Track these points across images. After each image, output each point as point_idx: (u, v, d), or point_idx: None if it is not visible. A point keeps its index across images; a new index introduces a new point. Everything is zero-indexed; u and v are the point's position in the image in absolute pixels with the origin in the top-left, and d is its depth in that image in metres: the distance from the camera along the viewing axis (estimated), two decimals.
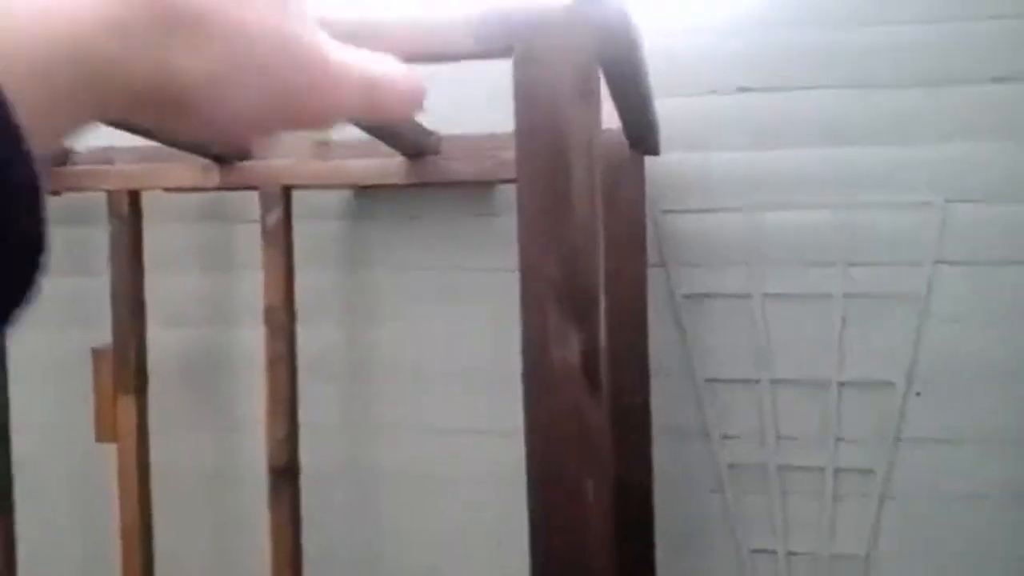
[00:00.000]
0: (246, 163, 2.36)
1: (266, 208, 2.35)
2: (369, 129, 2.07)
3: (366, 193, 2.59)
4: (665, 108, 2.21)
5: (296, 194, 2.43)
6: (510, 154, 2.44)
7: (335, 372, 2.65)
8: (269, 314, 2.41)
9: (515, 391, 1.18)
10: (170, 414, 2.66)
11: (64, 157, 2.42)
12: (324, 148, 2.36)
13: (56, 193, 2.44)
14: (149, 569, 2.55)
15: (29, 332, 2.67)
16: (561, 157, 1.13)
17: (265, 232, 2.36)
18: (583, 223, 1.14)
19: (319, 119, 0.37)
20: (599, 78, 1.20)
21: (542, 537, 1.18)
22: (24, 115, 0.25)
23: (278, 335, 2.41)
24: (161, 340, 2.59)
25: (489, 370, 2.52)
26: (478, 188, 2.53)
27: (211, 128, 0.34)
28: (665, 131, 2.30)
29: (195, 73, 0.31)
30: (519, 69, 1.13)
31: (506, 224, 2.52)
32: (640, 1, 2.35)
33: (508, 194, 2.54)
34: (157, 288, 2.55)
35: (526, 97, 1.13)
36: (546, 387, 1.17)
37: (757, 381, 2.45)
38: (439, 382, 2.59)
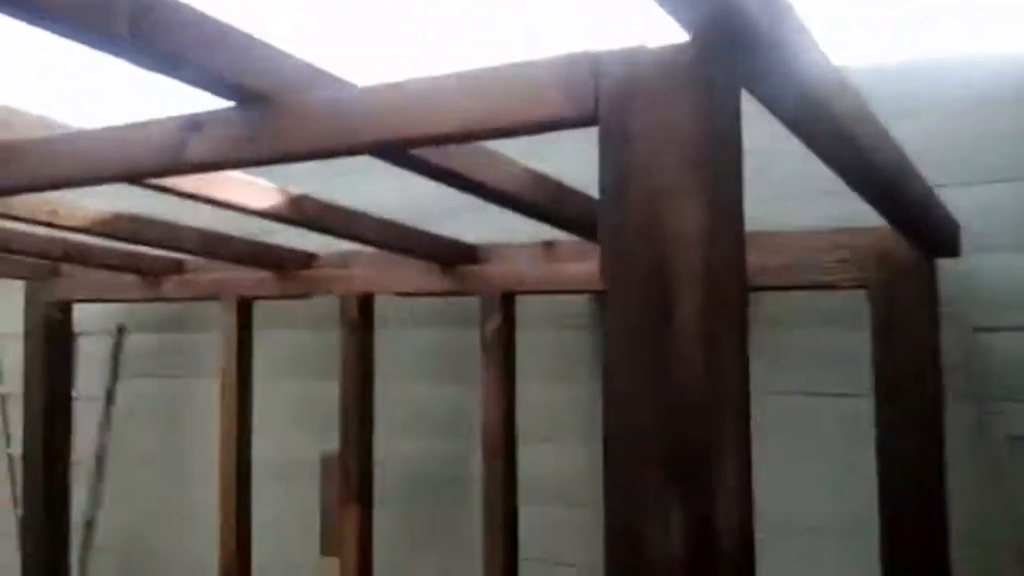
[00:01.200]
0: (471, 267, 2.21)
1: (484, 316, 2.18)
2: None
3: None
4: (963, 199, 1.73)
5: (531, 301, 2.25)
6: (755, 257, 2.08)
7: (572, 499, 2.36)
8: (487, 431, 2.20)
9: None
10: (400, 528, 2.53)
11: (307, 261, 2.44)
12: (551, 250, 2.15)
13: (298, 296, 2.47)
14: None
15: (265, 435, 2.70)
16: (656, 263, 0.80)
17: (483, 341, 2.18)
18: (690, 355, 0.79)
19: None
20: (732, 143, 0.85)
21: None
22: None
23: (495, 454, 2.19)
24: (391, 450, 2.49)
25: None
26: None
27: None
28: (970, 227, 1.81)
29: None
30: (606, 135, 0.82)
31: (767, 338, 2.13)
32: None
33: (765, 303, 2.15)
34: (389, 396, 2.47)
35: (614, 177, 0.82)
36: None
37: None
38: None
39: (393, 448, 2.49)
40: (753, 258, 1.95)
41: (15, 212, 1.59)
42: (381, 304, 2.42)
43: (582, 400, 2.32)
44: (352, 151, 0.99)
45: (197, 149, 0.98)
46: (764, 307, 2.13)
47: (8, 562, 2.95)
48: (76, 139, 1.05)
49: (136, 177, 1.08)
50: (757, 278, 1.97)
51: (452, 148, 1.24)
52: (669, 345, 0.81)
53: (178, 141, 0.98)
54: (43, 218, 1.68)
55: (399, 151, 1.05)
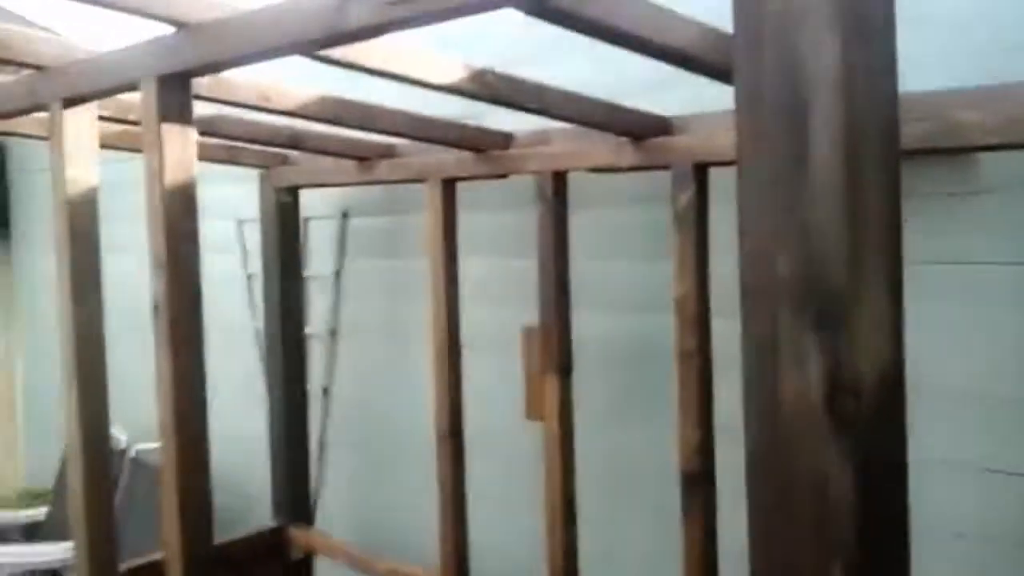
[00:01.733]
0: (662, 139, 2.18)
1: (677, 188, 2.15)
2: None
3: None
4: None
5: (724, 173, 2.19)
6: (978, 115, 1.89)
7: None
8: (680, 304, 2.20)
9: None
10: (598, 398, 2.61)
11: (505, 141, 2.49)
12: None
13: (497, 176, 2.54)
14: (571, 544, 2.53)
15: (476, 308, 2.84)
16: (791, 104, 0.77)
17: (676, 214, 2.16)
18: (827, 190, 0.76)
19: None
20: None
21: None
22: None
23: (689, 328, 2.19)
24: (590, 323, 2.55)
25: (982, 392, 2.00)
26: (944, 159, 2.00)
27: None
28: None
29: None
30: None
31: (995, 204, 1.97)
32: None
33: (995, 166, 1.98)
34: (587, 271, 2.52)
35: (747, 10, 0.79)
36: (772, 431, 0.82)
37: None
38: None
39: (589, 321, 2.56)
40: (972, 115, 1.80)
41: (229, 97, 1.74)
42: (575, 184, 2.45)
43: None
44: (495, 4, 1.01)
45: (355, 15, 1.03)
46: (979, 171, 1.96)
47: (260, 423, 3.34)
48: (242, 18, 1.14)
49: (302, 50, 1.16)
50: (977, 137, 1.82)
51: (615, 5, 1.22)
52: (804, 190, 0.79)
53: (337, 9, 1.04)
54: (255, 102, 1.83)
55: (544, 5, 1.05)
